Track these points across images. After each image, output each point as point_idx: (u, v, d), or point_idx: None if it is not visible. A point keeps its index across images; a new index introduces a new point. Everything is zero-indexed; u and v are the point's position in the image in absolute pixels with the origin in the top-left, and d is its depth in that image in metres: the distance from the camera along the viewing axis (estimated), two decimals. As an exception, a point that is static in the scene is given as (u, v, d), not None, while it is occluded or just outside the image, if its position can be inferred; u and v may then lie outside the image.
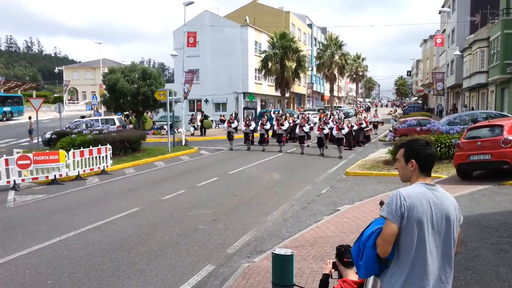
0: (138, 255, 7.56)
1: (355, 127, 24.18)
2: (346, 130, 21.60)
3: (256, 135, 25.64)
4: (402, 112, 53.77)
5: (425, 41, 75.74)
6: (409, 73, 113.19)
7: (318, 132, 21.48)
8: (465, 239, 6.84)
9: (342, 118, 26.46)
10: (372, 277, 3.10)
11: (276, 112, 31.25)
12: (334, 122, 22.56)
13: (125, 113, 36.28)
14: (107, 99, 33.34)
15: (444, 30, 50.80)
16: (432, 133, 17.99)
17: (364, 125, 25.46)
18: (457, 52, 38.62)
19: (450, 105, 47.35)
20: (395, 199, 2.75)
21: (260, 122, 24.85)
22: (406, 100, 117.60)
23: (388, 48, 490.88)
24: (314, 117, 35.64)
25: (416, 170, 2.92)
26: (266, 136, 24.33)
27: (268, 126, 24.26)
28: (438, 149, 15.64)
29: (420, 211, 2.73)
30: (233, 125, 24.44)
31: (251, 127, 24.41)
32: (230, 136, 24.18)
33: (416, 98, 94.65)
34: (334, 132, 21.57)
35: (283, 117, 25.60)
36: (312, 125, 23.76)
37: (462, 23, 41.50)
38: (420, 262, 2.75)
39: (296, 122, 25.40)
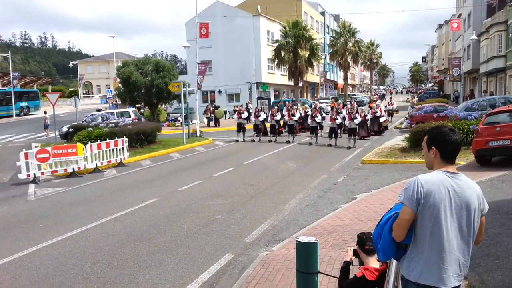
0: (158, 245, 7.67)
1: (369, 116, 23.40)
2: (359, 119, 20.61)
3: (268, 125, 24.74)
4: (417, 99, 53.06)
5: (440, 26, 74.34)
6: (424, 59, 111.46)
7: (331, 122, 20.75)
8: (486, 226, 6.76)
9: (356, 107, 25.87)
10: (394, 264, 3.11)
11: (287, 102, 30.84)
12: (347, 112, 21.73)
13: (137, 105, 36.44)
14: (121, 92, 33.60)
15: (460, 15, 49.80)
16: (449, 119, 17.76)
17: (378, 113, 24.65)
18: (474, 37, 37.87)
19: (467, 91, 46.56)
20: (412, 185, 2.77)
21: (270, 113, 24.12)
22: (421, 86, 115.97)
23: (402, 34, 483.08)
24: (327, 105, 35.26)
25: (437, 157, 2.90)
26: (278, 127, 23.63)
27: (278, 116, 23.61)
28: (456, 135, 15.43)
29: (437, 198, 2.73)
30: (243, 116, 24.00)
31: (261, 118, 23.78)
32: (240, 127, 23.62)
33: (431, 84, 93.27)
34: (346, 122, 20.75)
35: (294, 107, 25.07)
36: (324, 115, 23.15)
37: (479, 6, 40.59)
38: (437, 249, 2.76)
39: (307, 113, 24.84)
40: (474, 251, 5.89)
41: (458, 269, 2.80)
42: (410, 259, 2.84)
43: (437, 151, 2.89)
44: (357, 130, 21.05)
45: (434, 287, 2.77)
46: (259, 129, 23.79)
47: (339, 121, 20.82)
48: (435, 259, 2.76)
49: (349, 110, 21.57)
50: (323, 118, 22.56)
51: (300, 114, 24.83)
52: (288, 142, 22.08)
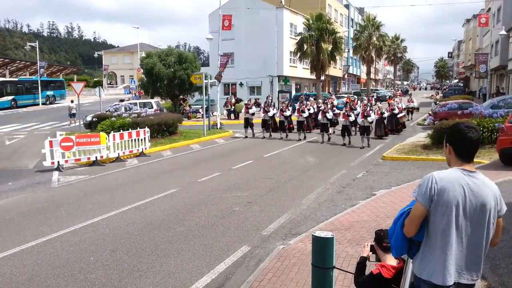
0: (176, 235, 7.77)
1: (386, 114, 21.76)
2: (372, 117, 19.03)
3: (277, 119, 22.86)
4: (441, 95, 51.93)
5: (468, 21, 72.58)
6: (450, 55, 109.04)
7: (344, 119, 19.21)
8: (508, 227, 6.62)
9: (372, 104, 23.74)
10: (411, 262, 3.09)
11: (301, 97, 29.50)
12: (362, 108, 19.83)
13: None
14: (144, 83, 33.92)
15: (489, 9, 48.46)
16: (474, 117, 17.41)
17: (396, 111, 22.90)
18: (503, 32, 36.80)
19: (493, 88, 45.40)
20: (427, 182, 2.74)
21: (279, 108, 22.08)
22: (446, 82, 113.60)
23: (428, 28, 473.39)
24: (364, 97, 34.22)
25: (452, 155, 2.85)
26: (286, 124, 21.99)
27: (288, 112, 21.77)
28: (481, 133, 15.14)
29: (451, 196, 2.69)
30: (251, 111, 22.35)
31: (270, 114, 22.24)
32: (248, 123, 22.20)
33: (457, 80, 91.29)
34: (359, 119, 18.89)
35: (307, 102, 23.31)
36: (337, 111, 21.76)
37: (509, 1, 39.38)
38: (449, 248, 2.73)
39: (320, 108, 22.33)
40: (495, 252, 5.80)
41: (466, 268, 2.77)
42: (423, 257, 2.82)
43: (452, 149, 2.84)
44: (371, 129, 19.50)
45: (445, 286, 2.75)
46: (267, 125, 22.32)
47: (352, 118, 19.36)
48: (446, 258, 2.73)
49: (364, 107, 19.86)
50: (336, 115, 21.40)
51: (314, 109, 23.23)
52: (299, 140, 20.64)
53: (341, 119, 19.67)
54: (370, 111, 19.21)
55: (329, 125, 20.50)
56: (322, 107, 21.32)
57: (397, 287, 3.30)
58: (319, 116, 20.88)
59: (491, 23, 43.96)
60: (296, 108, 22.14)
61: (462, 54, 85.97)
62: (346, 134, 19.19)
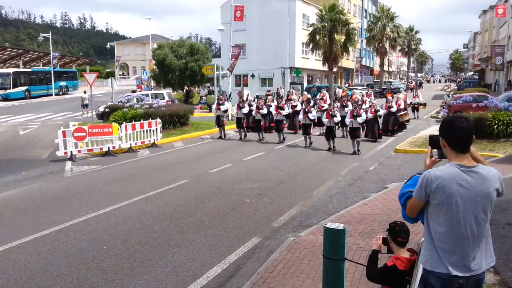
0: (188, 225, 7.82)
1: (382, 111, 18.75)
2: (363, 117, 15.69)
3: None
4: (456, 87, 51.16)
5: (484, 11, 71.08)
6: (465, 46, 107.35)
7: (327, 119, 15.92)
8: (522, 221, 6.54)
9: (370, 100, 21.17)
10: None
11: (290, 90, 27.24)
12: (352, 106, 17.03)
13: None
14: (156, 74, 34.07)
15: (507, 0, 47.47)
16: (489, 110, 17.16)
17: (394, 108, 19.68)
18: (520, 23, 36.06)
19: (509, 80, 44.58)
20: (423, 180, 2.76)
21: (256, 105, 18.99)
22: (461, 75, 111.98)
23: (442, 19, 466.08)
24: (361, 92, 33.34)
25: (447, 148, 2.83)
26: (263, 122, 19.01)
27: (265, 110, 18.57)
28: (496, 127, 14.98)
29: (448, 193, 2.69)
30: (223, 108, 19.29)
31: (244, 110, 18.66)
32: (219, 122, 19.45)
33: (472, 73, 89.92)
34: (348, 120, 15.78)
35: (295, 98, 20.52)
36: (325, 107, 18.36)
37: (527, -9, 38.52)
38: (449, 241, 2.73)
39: (310, 104, 18.87)
40: (508, 247, 5.72)
41: (477, 260, 2.76)
42: (425, 247, 2.87)
43: (445, 141, 2.81)
44: (361, 130, 16.29)
45: (450, 276, 2.74)
46: (241, 124, 18.99)
47: (338, 118, 16.15)
48: (449, 251, 2.74)
49: (354, 105, 17.14)
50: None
51: (301, 106, 18.52)
52: (279, 143, 17.53)
53: (324, 120, 16.20)
54: (361, 110, 16.01)
55: (312, 127, 17.25)
56: (310, 103, 18.25)
57: (411, 279, 3.29)
58: (300, 116, 17.37)
59: (509, 14, 43.09)
60: (275, 104, 18.68)
61: (477, 46, 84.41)
62: (330, 137, 16.09)
